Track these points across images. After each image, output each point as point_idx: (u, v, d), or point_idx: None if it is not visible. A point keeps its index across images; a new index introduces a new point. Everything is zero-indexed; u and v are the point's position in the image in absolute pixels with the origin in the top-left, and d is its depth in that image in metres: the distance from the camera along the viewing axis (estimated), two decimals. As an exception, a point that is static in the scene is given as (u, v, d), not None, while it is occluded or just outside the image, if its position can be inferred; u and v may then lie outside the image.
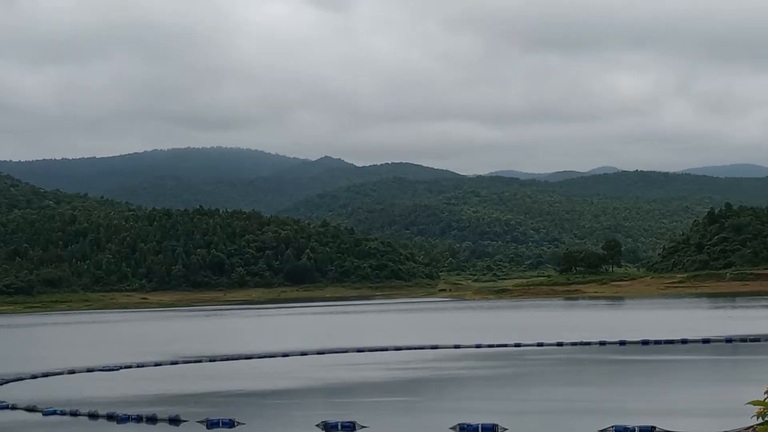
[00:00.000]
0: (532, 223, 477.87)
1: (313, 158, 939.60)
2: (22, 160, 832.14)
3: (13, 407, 61.14)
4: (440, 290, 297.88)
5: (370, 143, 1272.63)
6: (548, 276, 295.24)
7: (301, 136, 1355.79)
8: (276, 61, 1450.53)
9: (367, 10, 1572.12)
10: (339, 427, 49.60)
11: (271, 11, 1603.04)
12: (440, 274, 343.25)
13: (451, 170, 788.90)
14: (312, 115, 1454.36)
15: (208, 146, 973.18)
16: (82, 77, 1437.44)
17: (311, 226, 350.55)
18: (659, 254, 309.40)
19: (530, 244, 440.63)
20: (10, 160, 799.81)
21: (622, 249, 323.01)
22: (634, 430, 43.72)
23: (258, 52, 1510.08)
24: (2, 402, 62.70)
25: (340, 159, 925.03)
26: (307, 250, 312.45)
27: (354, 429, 49.14)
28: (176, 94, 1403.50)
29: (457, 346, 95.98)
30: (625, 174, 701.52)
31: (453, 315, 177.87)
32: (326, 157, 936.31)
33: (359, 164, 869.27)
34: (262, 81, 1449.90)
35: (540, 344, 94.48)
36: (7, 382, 76.23)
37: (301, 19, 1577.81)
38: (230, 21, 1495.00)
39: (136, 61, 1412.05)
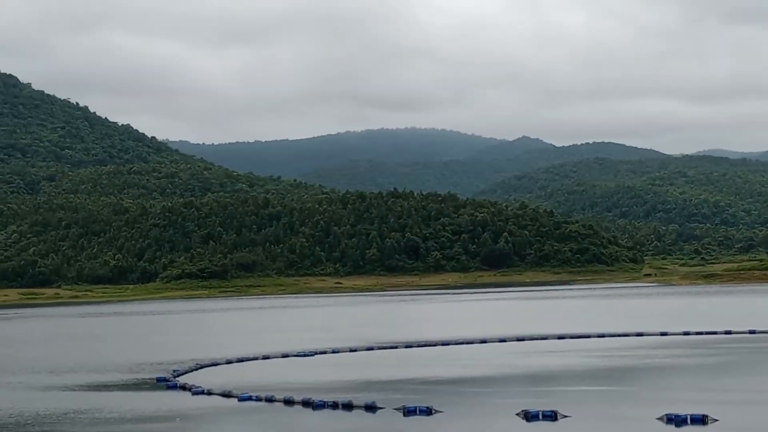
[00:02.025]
0: (743, 205, 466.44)
1: (510, 138, 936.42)
2: (215, 143, 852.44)
3: (209, 392, 62.70)
4: (645, 275, 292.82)
5: (567, 122, 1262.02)
6: (761, 260, 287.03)
7: (493, 116, 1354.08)
8: (462, 38, 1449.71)
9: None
10: (540, 416, 49.06)
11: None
12: (645, 258, 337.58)
13: (655, 149, 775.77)
14: (502, 94, 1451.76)
15: (402, 127, 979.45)
16: (267, 59, 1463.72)
17: (509, 209, 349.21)
18: None
19: (741, 226, 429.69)
20: (203, 143, 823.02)
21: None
22: (686, 418, 44.04)
23: (444, 29, 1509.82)
24: (198, 387, 64.43)
25: (538, 139, 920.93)
26: (505, 234, 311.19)
27: (555, 418, 48.64)
28: (363, 74, 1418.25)
29: (663, 334, 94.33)
30: None
31: (659, 301, 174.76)
32: (524, 137, 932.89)
33: (558, 144, 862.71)
34: (448, 59, 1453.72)
35: (752, 332, 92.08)
36: (203, 367, 78.19)
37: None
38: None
39: (321, 41, 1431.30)
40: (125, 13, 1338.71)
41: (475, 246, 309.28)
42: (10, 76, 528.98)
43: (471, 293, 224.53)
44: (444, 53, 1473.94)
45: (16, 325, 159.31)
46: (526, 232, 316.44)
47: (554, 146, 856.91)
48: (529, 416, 49.09)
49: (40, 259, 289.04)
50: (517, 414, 49.96)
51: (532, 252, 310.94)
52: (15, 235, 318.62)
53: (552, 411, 49.03)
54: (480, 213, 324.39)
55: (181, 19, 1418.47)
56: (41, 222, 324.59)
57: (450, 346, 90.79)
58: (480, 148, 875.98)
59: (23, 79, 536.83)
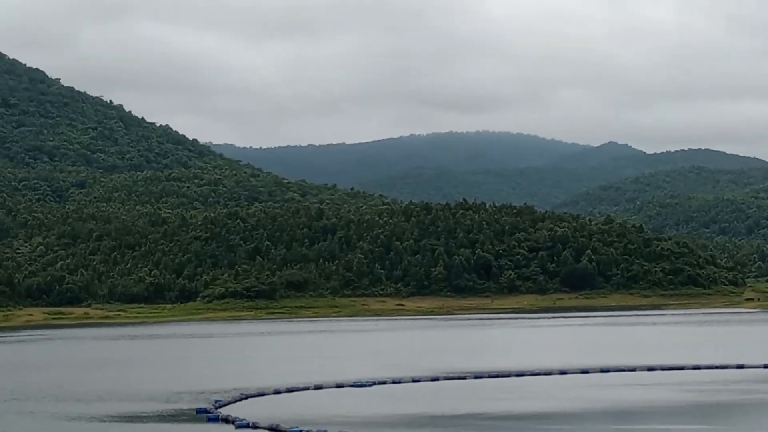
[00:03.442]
0: None
1: (595, 144, 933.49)
2: (263, 146, 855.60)
3: (254, 426, 63.21)
4: (746, 299, 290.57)
5: (658, 126, 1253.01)
6: None
7: (574, 119, 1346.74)
8: (537, 32, 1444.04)
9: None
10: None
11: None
12: (746, 280, 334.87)
13: (760, 158, 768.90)
14: (583, 95, 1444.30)
15: (472, 131, 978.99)
16: (315, 53, 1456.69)
17: (593, 223, 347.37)
18: None
19: None
20: (250, 147, 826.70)
21: None
22: None
23: (515, 23, 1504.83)
24: (242, 420, 64.92)
25: (626, 145, 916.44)
26: (588, 251, 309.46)
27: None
28: (424, 72, 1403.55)
29: (766, 366, 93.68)
30: None
31: (762, 328, 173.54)
32: (610, 142, 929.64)
33: (649, 151, 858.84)
34: (521, 56, 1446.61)
35: None
36: (248, 397, 78.74)
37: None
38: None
39: (376, 34, 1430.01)
40: (159, 2, 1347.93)
41: (554, 265, 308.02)
42: (37, 71, 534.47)
43: (549, 318, 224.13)
44: (517, 49, 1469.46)
45: (41, 348, 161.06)
46: (612, 249, 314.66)
47: (644, 153, 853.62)
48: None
49: (68, 275, 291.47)
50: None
51: (619, 272, 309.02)
52: (41, 247, 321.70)
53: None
54: (560, 228, 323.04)
55: (220, 10, 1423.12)
56: (70, 233, 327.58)
57: (525, 377, 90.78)
58: (560, 155, 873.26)
59: (51, 74, 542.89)
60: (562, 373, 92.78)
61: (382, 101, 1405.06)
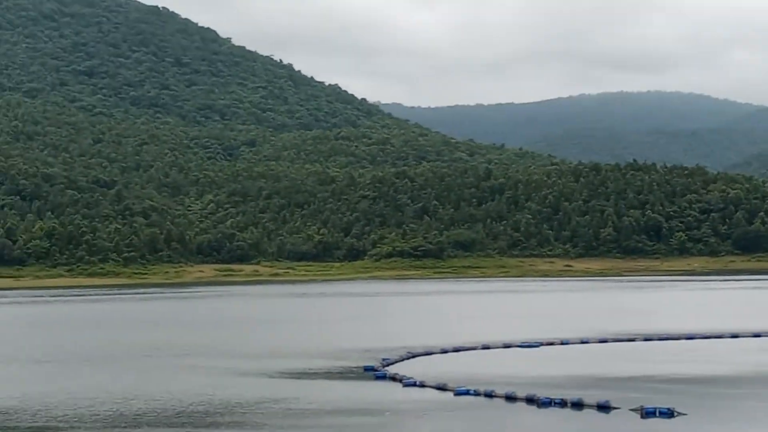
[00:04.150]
0: None
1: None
2: (432, 106, 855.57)
3: (422, 385, 63.40)
4: None
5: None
6: None
7: (748, 79, 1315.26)
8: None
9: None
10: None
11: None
12: None
13: None
14: (755, 55, 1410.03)
15: (643, 90, 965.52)
16: (480, 14, 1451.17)
17: (766, 185, 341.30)
18: None
19: None
20: (418, 107, 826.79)
21: None
22: None
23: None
24: (410, 379, 65.21)
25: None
26: (761, 213, 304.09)
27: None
28: (590, 31, 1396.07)
29: None
30: None
31: None
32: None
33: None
34: (693, 14, 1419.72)
35: None
36: (415, 356, 79.02)
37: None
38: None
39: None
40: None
41: (725, 227, 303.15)
42: (209, 29, 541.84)
43: (720, 281, 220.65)
44: (688, 8, 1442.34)
45: (211, 305, 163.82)
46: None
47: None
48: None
49: (238, 233, 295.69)
50: (773, 420, 49.10)
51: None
52: (212, 205, 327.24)
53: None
54: (733, 189, 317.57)
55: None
56: (240, 191, 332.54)
57: (695, 341, 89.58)
58: (734, 116, 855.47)
59: (223, 33, 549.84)
60: (734, 336, 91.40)
61: (551, 61, 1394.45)
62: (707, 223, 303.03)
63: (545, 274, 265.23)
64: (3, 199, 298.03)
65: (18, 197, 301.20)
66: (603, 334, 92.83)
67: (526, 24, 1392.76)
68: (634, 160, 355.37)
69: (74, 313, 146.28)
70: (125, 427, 51.26)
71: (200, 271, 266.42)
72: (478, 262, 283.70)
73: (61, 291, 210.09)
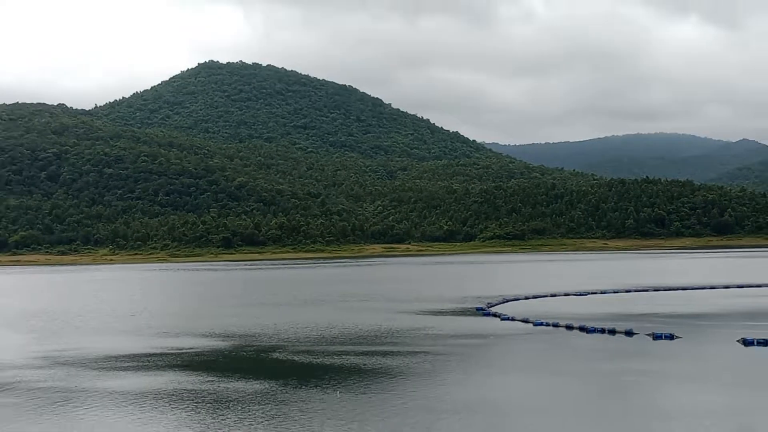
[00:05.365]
0: None
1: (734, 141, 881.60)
2: (516, 144, 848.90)
3: (512, 319, 63.65)
4: None
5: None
6: None
7: (717, 123, 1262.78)
8: (689, 67, 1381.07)
9: (758, 27, 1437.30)
10: (755, 342, 47.63)
11: (679, 29, 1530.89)
12: None
13: None
14: (724, 106, 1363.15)
15: (652, 132, 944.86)
16: (546, 85, 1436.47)
17: (732, 192, 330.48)
18: None
19: None
20: (508, 144, 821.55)
21: None
22: None
23: (673, 62, 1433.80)
24: (505, 315, 65.53)
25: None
26: (729, 210, 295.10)
27: (767, 345, 46.84)
28: (616, 93, 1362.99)
29: None
30: None
31: None
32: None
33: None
34: (679, 81, 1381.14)
35: None
36: (508, 301, 79.06)
37: (702, 35, 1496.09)
38: (651, 38, 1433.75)
39: (583, 72, 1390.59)
40: (445, 54, 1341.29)
41: (706, 218, 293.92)
42: (377, 99, 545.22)
43: (703, 253, 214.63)
44: (677, 76, 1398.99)
45: (379, 270, 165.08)
46: (744, 209, 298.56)
47: None
48: (747, 342, 47.51)
49: (396, 224, 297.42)
50: (737, 341, 48.33)
51: (749, 223, 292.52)
52: (379, 207, 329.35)
53: (765, 339, 47.21)
54: (710, 195, 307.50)
55: (481, 55, 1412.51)
56: (397, 198, 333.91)
57: (688, 290, 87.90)
58: (710, 148, 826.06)
59: (385, 100, 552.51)
60: (712, 288, 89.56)
61: (590, 114, 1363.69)
62: (694, 217, 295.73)
63: (590, 249, 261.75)
64: (252, 206, 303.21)
65: (261, 203, 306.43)
66: (627, 287, 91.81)
67: (573, 89, 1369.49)
68: (647, 177, 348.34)
69: (296, 275, 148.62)
70: (327, 344, 52.35)
71: (372, 248, 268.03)
72: (547, 242, 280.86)
73: (287, 261, 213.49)
